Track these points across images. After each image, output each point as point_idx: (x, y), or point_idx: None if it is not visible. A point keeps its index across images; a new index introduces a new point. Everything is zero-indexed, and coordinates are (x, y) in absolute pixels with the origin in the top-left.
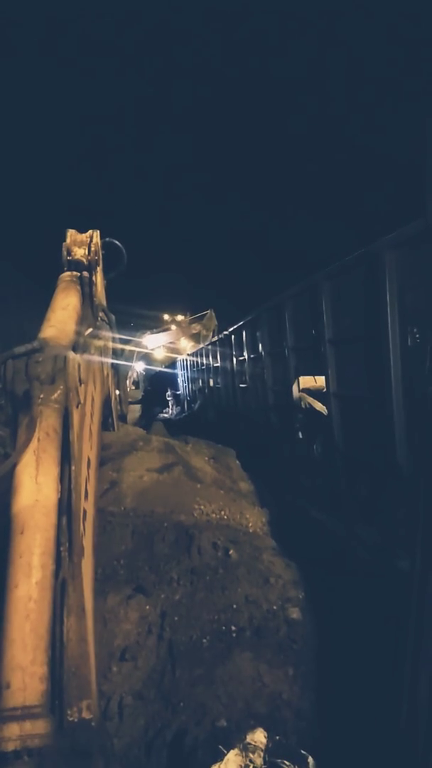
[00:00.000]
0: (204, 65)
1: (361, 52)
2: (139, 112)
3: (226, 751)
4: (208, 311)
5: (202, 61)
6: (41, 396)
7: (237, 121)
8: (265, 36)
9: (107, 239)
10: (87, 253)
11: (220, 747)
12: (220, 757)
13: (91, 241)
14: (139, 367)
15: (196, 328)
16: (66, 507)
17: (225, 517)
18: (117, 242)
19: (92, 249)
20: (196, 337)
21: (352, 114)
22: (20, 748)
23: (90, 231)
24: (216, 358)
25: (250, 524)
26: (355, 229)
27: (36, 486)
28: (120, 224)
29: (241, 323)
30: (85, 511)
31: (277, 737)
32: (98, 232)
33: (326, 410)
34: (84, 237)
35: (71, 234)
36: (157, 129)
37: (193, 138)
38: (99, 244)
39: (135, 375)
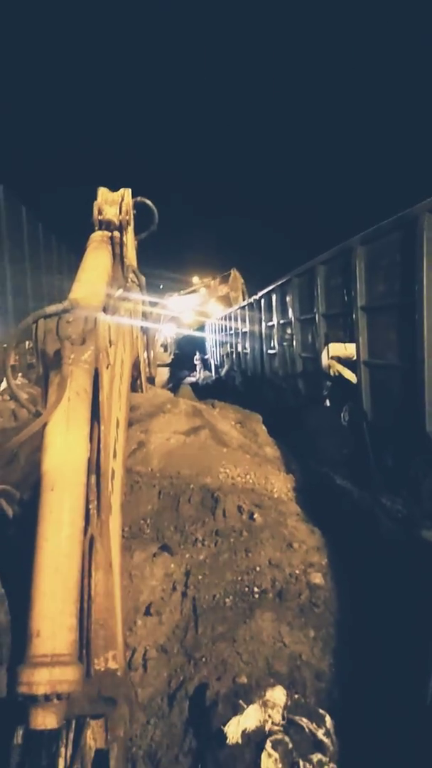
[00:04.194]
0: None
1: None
2: (170, 65)
3: (245, 706)
4: (231, 271)
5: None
6: (72, 356)
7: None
8: None
9: (139, 198)
10: (118, 212)
11: (240, 702)
12: (239, 711)
13: (122, 200)
14: (168, 330)
15: (224, 290)
16: (95, 466)
17: (250, 481)
18: (148, 202)
19: (123, 208)
20: (224, 300)
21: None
22: (50, 692)
23: (122, 190)
24: (244, 322)
25: (275, 489)
26: (393, 194)
27: (66, 445)
28: (151, 183)
29: (270, 288)
30: (113, 471)
31: (296, 696)
32: (130, 191)
33: (355, 378)
34: (115, 196)
35: (102, 192)
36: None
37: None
38: (130, 203)
39: (164, 338)
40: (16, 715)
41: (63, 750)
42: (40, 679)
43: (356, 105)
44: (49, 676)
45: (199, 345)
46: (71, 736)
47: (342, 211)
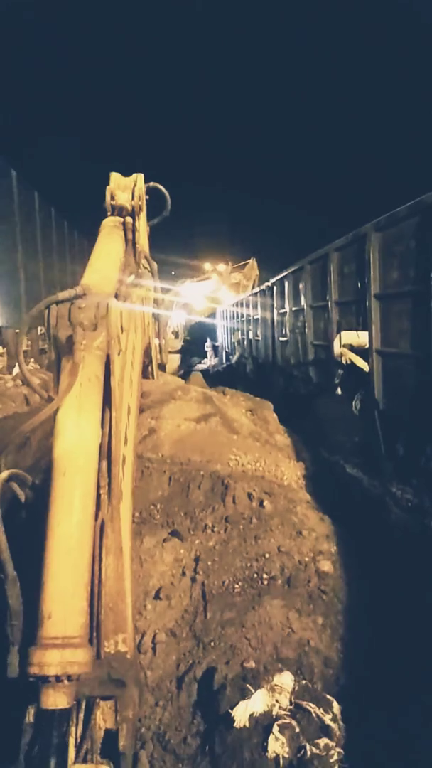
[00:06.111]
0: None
1: None
2: (181, 51)
3: (253, 691)
4: (250, 260)
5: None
6: (84, 342)
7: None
8: None
9: (151, 184)
10: (131, 198)
11: (248, 686)
12: (247, 695)
13: (135, 185)
14: (179, 317)
15: (237, 278)
16: (106, 451)
17: (260, 468)
18: (161, 187)
19: (136, 194)
20: (237, 287)
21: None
22: (61, 674)
23: (134, 175)
24: (256, 309)
25: (285, 477)
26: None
27: (78, 430)
28: (163, 168)
29: (283, 274)
30: (124, 457)
31: (304, 681)
32: (142, 176)
33: (368, 367)
34: (128, 181)
35: (115, 178)
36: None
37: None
38: (143, 188)
39: (176, 325)
40: (28, 695)
41: (73, 729)
42: (51, 661)
43: (385, 83)
44: (60, 658)
45: (210, 332)
46: (81, 716)
47: (367, 194)
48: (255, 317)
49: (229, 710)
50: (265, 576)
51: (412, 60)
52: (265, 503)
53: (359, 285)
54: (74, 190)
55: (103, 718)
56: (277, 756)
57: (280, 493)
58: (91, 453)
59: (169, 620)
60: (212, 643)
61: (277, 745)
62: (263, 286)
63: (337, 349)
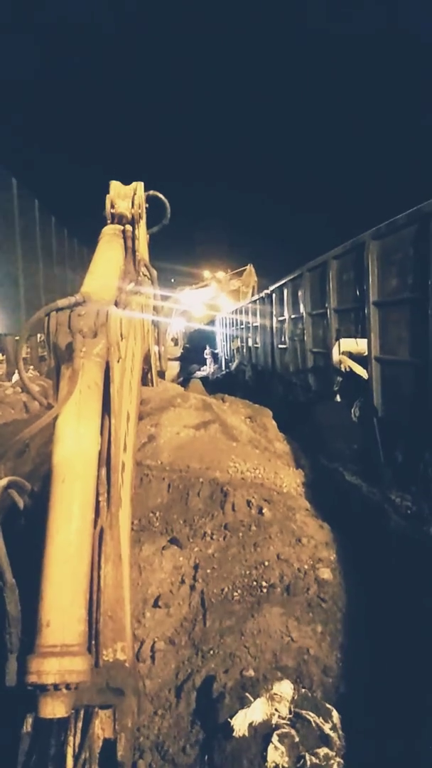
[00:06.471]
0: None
1: None
2: (181, 59)
3: (253, 699)
4: (248, 266)
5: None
6: (83, 349)
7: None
8: None
9: (151, 192)
10: (131, 206)
11: (247, 695)
12: (246, 704)
13: (135, 194)
14: (178, 324)
15: (236, 284)
16: (105, 459)
17: (259, 476)
18: (161, 195)
19: (136, 202)
20: (235, 294)
21: None
22: (59, 682)
23: (134, 183)
24: (255, 316)
25: (285, 484)
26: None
27: (77, 437)
28: (163, 176)
29: (282, 282)
30: (123, 464)
31: (303, 690)
32: (142, 184)
33: (366, 374)
34: (128, 189)
35: (115, 186)
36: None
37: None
38: (143, 197)
39: (175, 332)
40: (26, 704)
41: (71, 739)
42: (50, 669)
43: (386, 89)
44: (59, 666)
45: (209, 339)
46: (79, 725)
47: (366, 202)
48: (254, 325)
49: (228, 719)
50: (264, 584)
51: (412, 64)
52: (265, 511)
53: (358, 293)
54: (74, 198)
55: (102, 727)
56: (277, 765)
57: (279, 500)
58: (90, 460)
59: (168, 628)
60: (211, 652)
61: (276, 755)
62: (262, 294)
63: (336, 356)
